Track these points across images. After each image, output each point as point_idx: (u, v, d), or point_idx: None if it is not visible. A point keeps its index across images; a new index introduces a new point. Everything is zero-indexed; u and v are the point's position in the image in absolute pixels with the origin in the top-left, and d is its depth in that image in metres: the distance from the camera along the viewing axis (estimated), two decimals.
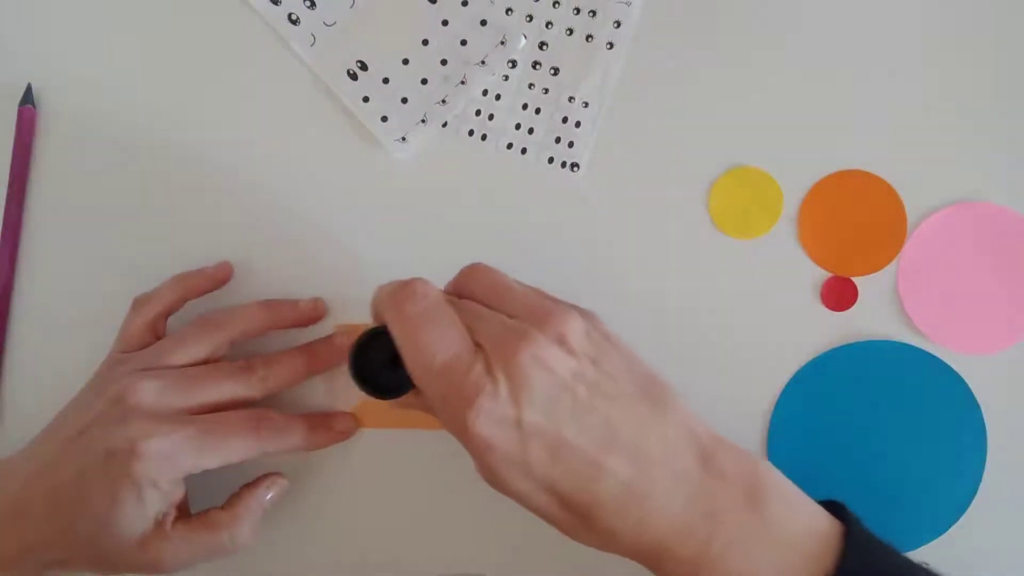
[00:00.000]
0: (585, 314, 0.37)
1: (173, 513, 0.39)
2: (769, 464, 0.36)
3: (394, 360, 0.37)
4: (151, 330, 0.43)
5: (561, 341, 0.35)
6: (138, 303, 0.43)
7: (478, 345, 0.36)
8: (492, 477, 0.36)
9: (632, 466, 0.34)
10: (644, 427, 0.35)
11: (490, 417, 0.34)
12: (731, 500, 0.35)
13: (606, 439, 0.34)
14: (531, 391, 0.34)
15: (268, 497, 0.42)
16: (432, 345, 0.35)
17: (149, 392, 0.39)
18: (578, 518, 0.35)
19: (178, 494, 0.39)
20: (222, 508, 0.41)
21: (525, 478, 0.35)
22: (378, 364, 0.38)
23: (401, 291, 0.37)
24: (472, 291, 0.38)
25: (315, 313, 0.45)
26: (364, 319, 0.45)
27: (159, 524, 0.39)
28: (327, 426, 0.44)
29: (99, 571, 0.40)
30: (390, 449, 0.46)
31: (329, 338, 0.45)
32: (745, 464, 0.36)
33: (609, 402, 0.35)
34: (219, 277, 0.45)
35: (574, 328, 0.35)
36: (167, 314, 0.43)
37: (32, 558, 0.39)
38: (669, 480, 0.34)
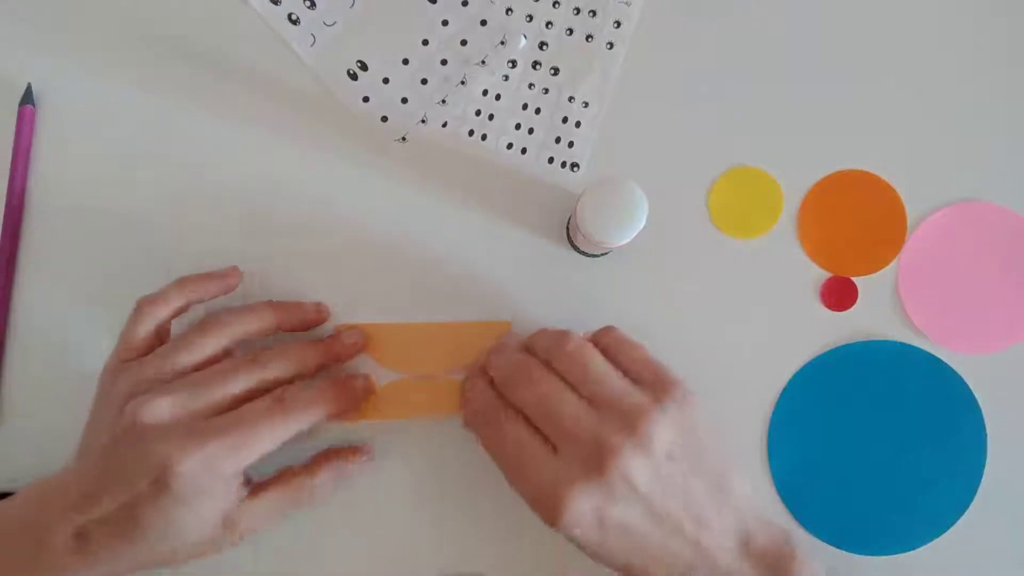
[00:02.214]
0: (680, 404, 0.39)
1: (240, 497, 0.40)
2: (797, 543, 0.40)
3: None
4: (156, 335, 0.42)
5: (646, 452, 0.38)
6: (142, 306, 0.42)
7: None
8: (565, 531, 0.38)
9: (692, 551, 0.38)
10: (707, 517, 0.39)
11: (591, 496, 0.37)
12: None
13: (674, 528, 0.38)
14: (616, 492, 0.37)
15: (350, 467, 0.44)
16: (558, 405, 0.39)
17: (163, 409, 0.39)
18: None
19: (234, 485, 0.39)
20: (304, 469, 0.42)
21: (597, 552, 0.39)
22: None
23: (561, 334, 0.41)
24: (561, 368, 0.40)
25: (319, 316, 0.45)
26: (364, 319, 0.46)
27: (228, 514, 0.39)
28: (349, 386, 0.44)
29: (193, 557, 0.40)
30: (390, 450, 0.46)
31: (338, 335, 0.45)
32: (777, 543, 0.40)
33: (677, 506, 0.38)
34: (228, 283, 0.44)
35: (662, 438, 0.38)
36: (172, 318, 0.43)
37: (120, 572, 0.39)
38: (714, 561, 0.39)
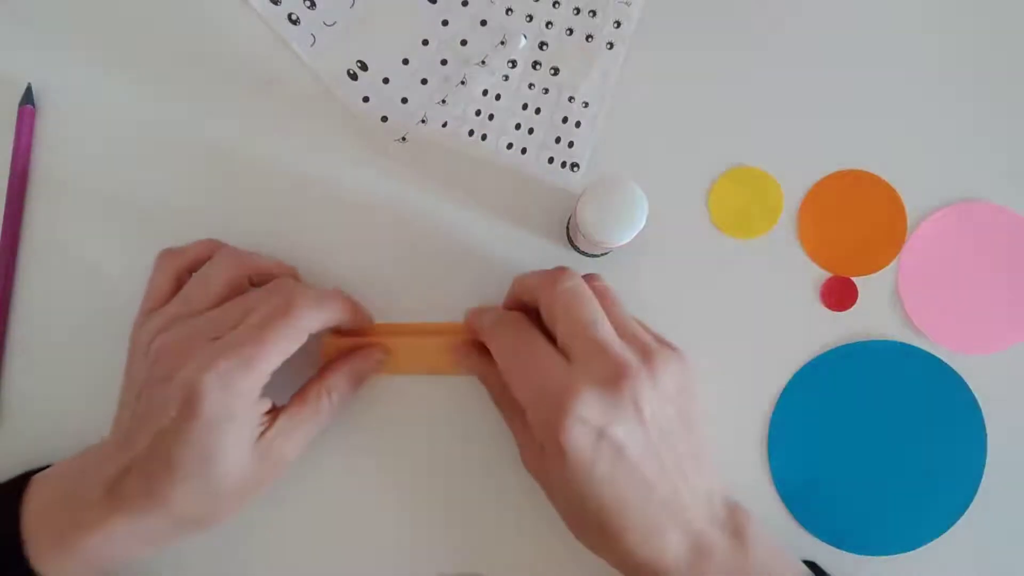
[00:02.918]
0: (682, 359, 0.40)
1: (264, 422, 0.39)
2: (756, 519, 0.41)
3: None
4: (175, 281, 0.42)
5: (655, 385, 0.38)
6: (163, 257, 0.43)
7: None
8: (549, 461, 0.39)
9: (672, 499, 0.39)
10: (686, 479, 0.39)
11: (598, 409, 0.37)
12: (724, 543, 0.40)
13: (661, 469, 0.38)
14: (623, 414, 0.38)
15: (365, 366, 0.44)
16: (592, 314, 0.39)
17: (182, 340, 0.38)
18: (601, 534, 0.39)
19: (258, 408, 0.39)
20: (315, 377, 0.42)
21: (579, 479, 0.38)
22: None
23: (552, 272, 0.41)
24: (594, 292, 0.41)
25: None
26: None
27: (257, 440, 0.39)
28: (357, 307, 0.43)
29: (237, 503, 0.39)
30: (390, 450, 0.46)
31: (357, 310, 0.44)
32: (739, 516, 0.41)
33: (668, 451, 0.39)
34: (283, 268, 0.44)
35: (672, 382, 0.39)
36: (192, 268, 0.43)
37: (163, 527, 0.38)
38: (685, 524, 0.39)
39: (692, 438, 0.40)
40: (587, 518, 0.39)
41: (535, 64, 0.47)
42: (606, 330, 0.39)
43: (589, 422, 0.37)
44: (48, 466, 0.41)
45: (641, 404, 0.38)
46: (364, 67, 0.47)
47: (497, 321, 0.42)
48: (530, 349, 0.40)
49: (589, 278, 0.43)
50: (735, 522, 0.40)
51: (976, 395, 0.47)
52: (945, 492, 0.46)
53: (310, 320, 0.40)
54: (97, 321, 0.45)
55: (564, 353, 0.39)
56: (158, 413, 0.37)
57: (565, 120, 0.47)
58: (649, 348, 0.39)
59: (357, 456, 0.46)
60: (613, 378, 0.37)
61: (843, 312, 0.47)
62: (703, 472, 0.40)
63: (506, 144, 0.47)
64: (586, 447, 0.37)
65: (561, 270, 0.41)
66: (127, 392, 0.41)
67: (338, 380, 0.43)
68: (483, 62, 0.47)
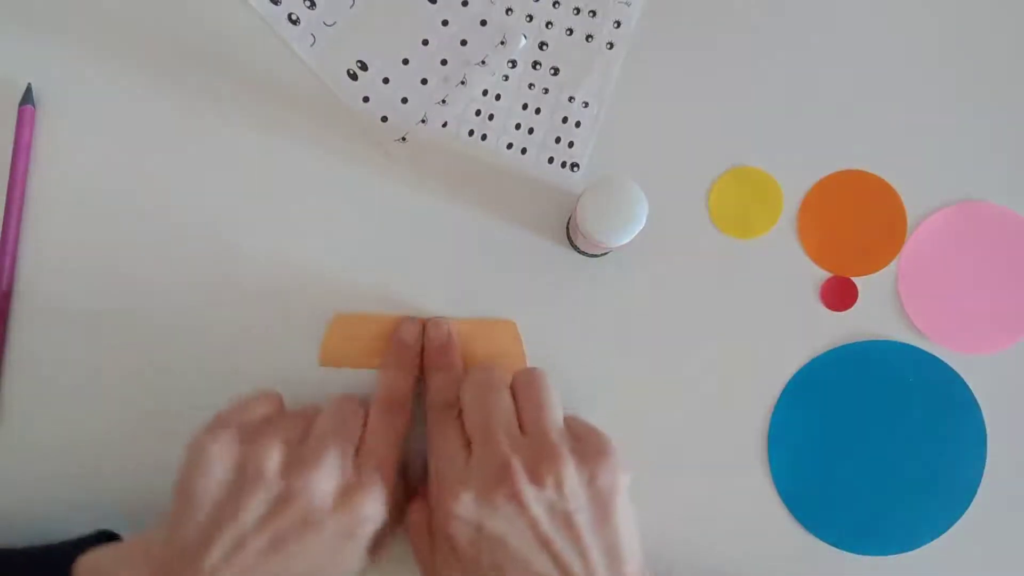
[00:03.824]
0: (599, 456, 0.39)
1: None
2: None
3: None
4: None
5: (551, 484, 0.38)
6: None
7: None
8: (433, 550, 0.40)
9: None
10: (592, 573, 0.38)
11: (480, 503, 0.38)
12: None
13: (550, 571, 0.38)
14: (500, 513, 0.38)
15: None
16: (492, 407, 0.40)
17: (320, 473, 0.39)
18: None
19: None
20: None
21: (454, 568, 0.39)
22: None
23: (478, 365, 0.44)
24: (519, 396, 0.42)
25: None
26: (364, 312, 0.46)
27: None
28: (404, 350, 0.45)
29: None
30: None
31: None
32: None
33: (567, 546, 0.38)
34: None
35: (567, 484, 0.39)
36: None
37: None
38: None
39: (605, 532, 0.39)
40: None
41: (535, 64, 0.47)
42: (500, 425, 0.40)
43: (467, 519, 0.38)
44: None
45: (525, 502, 0.38)
46: (364, 67, 0.47)
47: (436, 408, 0.43)
48: (442, 436, 0.41)
49: (524, 371, 0.42)
50: None
51: (976, 395, 0.47)
52: (945, 492, 0.46)
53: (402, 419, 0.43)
54: (97, 321, 0.45)
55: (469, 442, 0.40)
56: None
57: (565, 120, 0.47)
58: (549, 449, 0.39)
59: None
60: (492, 478, 0.38)
61: (843, 312, 0.47)
62: (617, 567, 0.39)
63: (506, 144, 0.47)
64: (467, 543, 0.38)
65: (484, 365, 0.43)
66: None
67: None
68: (483, 62, 0.47)
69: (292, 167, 0.46)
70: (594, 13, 0.47)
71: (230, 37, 0.47)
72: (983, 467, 0.46)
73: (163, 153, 0.46)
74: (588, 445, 0.40)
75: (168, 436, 0.45)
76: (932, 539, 0.46)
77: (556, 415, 0.41)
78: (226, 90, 0.47)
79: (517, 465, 0.38)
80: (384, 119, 0.47)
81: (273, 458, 0.38)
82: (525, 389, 0.41)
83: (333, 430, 0.40)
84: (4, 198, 0.45)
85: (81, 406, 0.45)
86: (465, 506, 0.38)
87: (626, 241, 0.40)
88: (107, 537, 0.41)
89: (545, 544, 0.38)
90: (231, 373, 0.45)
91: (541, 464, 0.38)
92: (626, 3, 0.47)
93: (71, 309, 0.46)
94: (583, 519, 0.38)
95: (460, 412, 0.42)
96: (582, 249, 0.45)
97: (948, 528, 0.46)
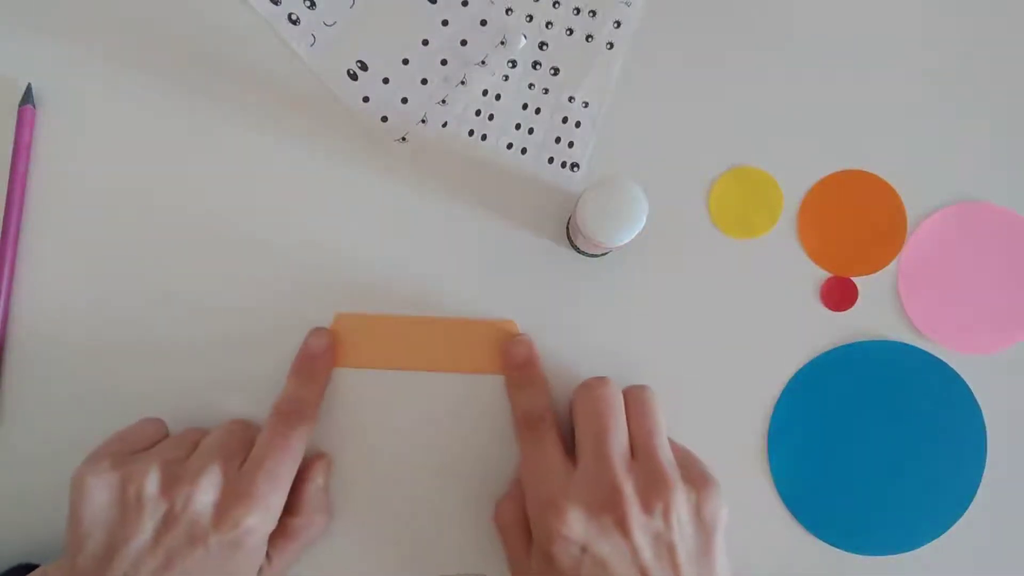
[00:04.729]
0: (707, 491, 0.40)
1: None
2: None
3: None
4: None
5: (660, 515, 0.39)
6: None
7: None
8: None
9: None
10: None
11: (595, 523, 0.38)
12: None
13: None
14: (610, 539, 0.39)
15: (321, 484, 0.44)
16: (609, 427, 0.40)
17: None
18: None
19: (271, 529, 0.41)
20: (293, 514, 0.43)
21: None
22: None
23: (595, 377, 0.43)
24: (631, 416, 0.42)
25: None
26: (363, 311, 0.46)
27: (263, 565, 0.41)
28: (309, 361, 0.45)
29: None
30: (390, 451, 0.46)
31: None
32: None
33: (669, 569, 0.38)
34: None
35: (675, 515, 0.39)
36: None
37: None
38: None
39: (704, 565, 0.39)
40: None
41: (535, 64, 0.47)
42: (615, 447, 0.40)
43: (572, 539, 0.38)
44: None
45: (630, 529, 0.38)
46: (364, 67, 0.47)
47: (521, 421, 0.44)
48: (540, 452, 0.42)
49: (637, 388, 0.43)
50: None
51: (976, 395, 0.47)
52: (945, 492, 0.46)
53: (304, 434, 0.43)
54: (97, 321, 0.45)
55: (575, 458, 0.41)
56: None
57: (565, 120, 0.47)
58: (660, 476, 0.39)
59: (355, 452, 0.46)
60: (602, 500, 0.38)
61: (843, 312, 0.47)
62: None
63: (506, 144, 0.47)
64: (570, 561, 0.38)
65: (602, 378, 0.43)
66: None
67: (319, 520, 0.44)
68: (483, 62, 0.47)
69: (292, 167, 0.47)
70: (594, 13, 0.47)
71: (230, 37, 0.47)
72: (983, 467, 0.46)
73: (163, 153, 0.46)
74: (694, 474, 0.40)
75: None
76: (932, 539, 0.46)
77: (665, 440, 0.41)
78: (226, 90, 0.47)
79: (630, 491, 0.39)
80: (384, 119, 0.47)
81: (152, 478, 0.39)
82: (638, 410, 0.42)
83: (216, 446, 0.41)
84: (4, 198, 0.45)
85: (81, 407, 0.45)
86: (573, 524, 0.38)
87: (626, 241, 0.40)
88: (24, 569, 0.42)
89: (644, 572, 0.38)
90: (232, 373, 0.45)
91: (652, 492, 0.39)
92: (626, 3, 0.47)
93: (71, 309, 0.46)
94: (684, 550, 0.39)
95: (552, 422, 0.42)
96: (582, 249, 0.45)
97: (948, 528, 0.46)
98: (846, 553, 0.46)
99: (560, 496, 0.39)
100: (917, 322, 0.47)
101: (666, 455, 0.41)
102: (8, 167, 0.45)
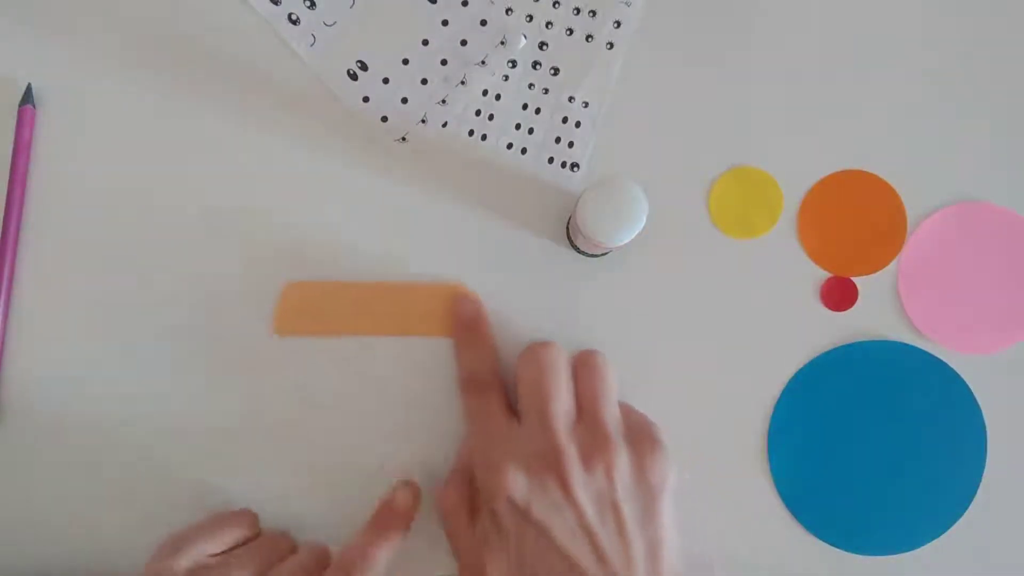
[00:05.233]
0: (653, 453, 0.40)
1: None
2: None
3: None
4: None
5: (603, 474, 0.39)
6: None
7: None
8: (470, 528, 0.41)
9: None
10: (633, 571, 0.38)
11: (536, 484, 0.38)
12: None
13: (589, 564, 0.38)
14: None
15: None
16: (552, 388, 0.40)
17: None
18: None
19: None
20: None
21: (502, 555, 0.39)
22: None
23: (540, 342, 0.42)
24: (579, 379, 0.42)
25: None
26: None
27: None
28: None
29: None
30: (390, 451, 0.46)
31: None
32: None
33: (609, 540, 0.38)
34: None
35: (617, 475, 0.39)
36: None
37: None
38: None
39: (650, 528, 0.39)
40: None
41: (535, 64, 0.47)
42: (557, 408, 0.40)
43: (516, 499, 0.38)
44: None
45: (571, 487, 0.38)
46: (364, 67, 0.47)
47: (464, 383, 0.43)
48: (484, 414, 0.41)
49: (587, 352, 0.43)
50: None
51: (976, 395, 0.47)
52: (945, 492, 0.46)
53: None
54: (97, 321, 0.45)
55: (518, 418, 0.41)
56: None
57: (565, 120, 0.47)
58: (602, 437, 0.39)
59: (357, 453, 0.46)
60: (544, 461, 0.38)
61: (843, 312, 0.47)
62: (656, 567, 0.38)
63: (506, 144, 0.47)
64: (515, 527, 0.38)
65: (547, 342, 0.42)
66: None
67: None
68: (483, 62, 0.47)
69: (292, 167, 0.47)
70: (594, 13, 0.47)
71: (230, 37, 0.47)
72: (983, 467, 0.46)
73: (163, 153, 0.46)
74: (641, 436, 0.40)
75: (169, 435, 0.45)
76: (932, 539, 0.46)
77: (613, 405, 0.41)
78: (226, 90, 0.47)
79: (572, 451, 0.39)
80: (384, 119, 0.47)
81: None
82: (586, 374, 0.41)
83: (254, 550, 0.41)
84: (4, 198, 0.45)
85: (81, 406, 0.45)
86: (516, 481, 0.38)
87: (626, 241, 0.40)
88: None
89: (589, 534, 0.38)
90: (233, 373, 0.45)
91: (593, 451, 0.39)
92: (626, 3, 0.47)
93: (71, 309, 0.46)
94: (629, 511, 0.38)
95: (499, 384, 0.42)
96: (582, 249, 0.45)
97: (948, 528, 0.46)
98: (846, 553, 0.46)
99: (503, 456, 0.39)
100: (917, 322, 0.47)
101: (612, 417, 0.40)
102: (8, 167, 0.45)
